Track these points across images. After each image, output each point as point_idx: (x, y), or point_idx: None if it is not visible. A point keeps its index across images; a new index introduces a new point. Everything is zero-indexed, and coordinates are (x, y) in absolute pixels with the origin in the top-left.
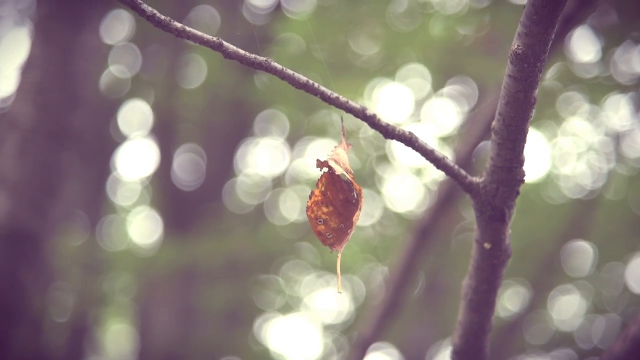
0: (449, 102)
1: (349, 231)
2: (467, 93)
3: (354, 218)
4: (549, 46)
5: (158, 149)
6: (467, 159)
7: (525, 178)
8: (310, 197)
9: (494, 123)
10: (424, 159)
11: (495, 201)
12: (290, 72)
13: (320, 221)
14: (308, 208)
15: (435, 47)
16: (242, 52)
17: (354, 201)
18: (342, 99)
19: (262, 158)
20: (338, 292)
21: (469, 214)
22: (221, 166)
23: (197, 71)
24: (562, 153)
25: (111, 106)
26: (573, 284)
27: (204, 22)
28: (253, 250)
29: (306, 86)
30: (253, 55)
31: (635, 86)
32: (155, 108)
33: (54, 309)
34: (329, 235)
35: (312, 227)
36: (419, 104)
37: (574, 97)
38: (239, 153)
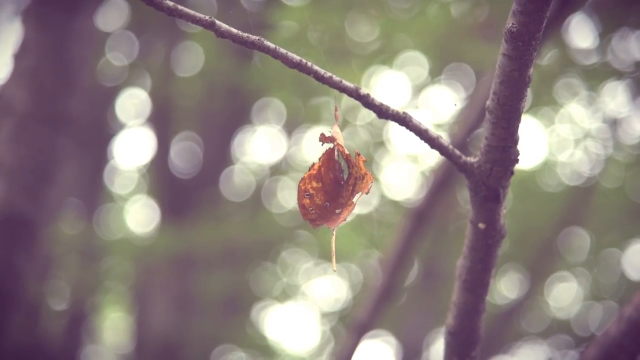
0: (447, 90)
1: (336, 211)
2: (465, 81)
3: (343, 200)
4: (544, 24)
5: (155, 137)
6: (463, 143)
7: (519, 158)
8: (309, 169)
9: (488, 102)
10: (418, 139)
11: (489, 181)
12: (283, 51)
13: (307, 195)
14: (302, 179)
15: (433, 34)
16: (234, 31)
17: (342, 182)
18: (336, 78)
19: (259, 145)
20: (333, 271)
21: (466, 201)
22: (218, 154)
23: (194, 59)
24: (559, 140)
25: (109, 94)
26: (570, 271)
27: (200, 8)
28: (250, 237)
29: (299, 65)
30: (246, 34)
31: (633, 72)
32: (153, 96)
33: (51, 297)
34: (311, 210)
35: (297, 199)
36: (417, 91)
37: (571, 84)
38: (236, 140)
